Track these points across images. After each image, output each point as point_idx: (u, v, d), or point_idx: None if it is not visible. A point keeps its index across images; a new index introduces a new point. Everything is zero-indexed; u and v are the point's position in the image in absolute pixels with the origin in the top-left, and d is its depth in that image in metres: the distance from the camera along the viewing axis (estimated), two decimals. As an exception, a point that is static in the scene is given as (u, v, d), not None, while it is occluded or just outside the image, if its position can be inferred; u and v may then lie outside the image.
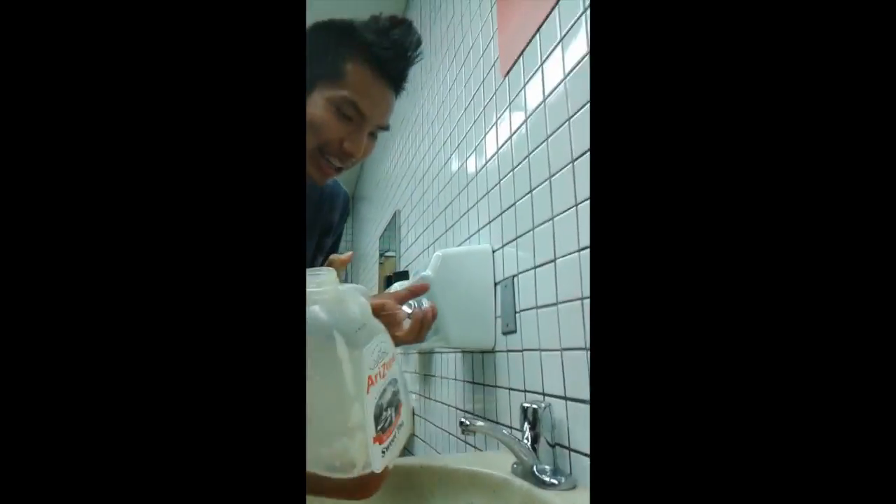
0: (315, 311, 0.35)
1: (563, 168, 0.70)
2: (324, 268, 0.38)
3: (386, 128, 0.65)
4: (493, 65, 1.01)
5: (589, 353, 0.60)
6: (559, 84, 0.72)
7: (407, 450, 1.50)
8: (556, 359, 0.68)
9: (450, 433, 1.15)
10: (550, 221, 0.73)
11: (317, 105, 0.60)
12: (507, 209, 0.89)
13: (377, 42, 0.59)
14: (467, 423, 0.64)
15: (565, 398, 0.65)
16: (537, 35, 0.80)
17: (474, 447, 0.98)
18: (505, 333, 0.86)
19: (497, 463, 0.69)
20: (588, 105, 0.64)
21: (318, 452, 0.33)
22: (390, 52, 0.59)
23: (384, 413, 0.37)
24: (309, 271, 0.36)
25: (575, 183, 0.66)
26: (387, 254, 2.17)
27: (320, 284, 0.37)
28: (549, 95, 0.75)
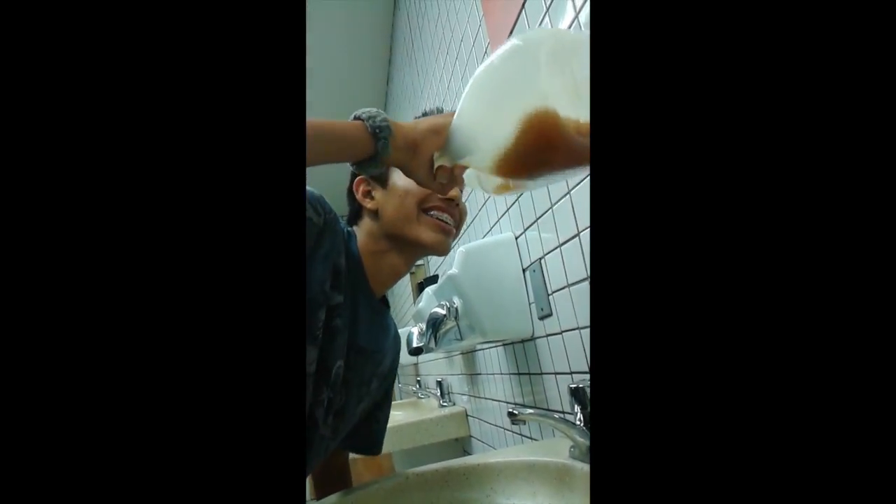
0: None
1: (571, 139, 0.68)
2: None
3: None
4: (486, 52, 0.99)
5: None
6: (553, 56, 0.70)
7: (464, 450, 1.49)
8: (596, 334, 0.66)
9: (504, 428, 1.13)
10: (567, 196, 0.71)
11: (399, 177, 0.63)
12: (523, 193, 0.87)
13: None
14: (516, 412, 0.62)
15: (613, 372, 0.63)
16: (523, 11, 0.78)
17: (530, 438, 0.96)
18: (541, 318, 0.84)
19: (555, 449, 0.67)
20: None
21: None
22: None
23: None
24: None
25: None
26: (417, 263, 2.18)
27: None
28: (544, 69, 0.73)
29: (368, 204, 0.67)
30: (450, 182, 0.52)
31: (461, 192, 0.66)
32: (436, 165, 0.50)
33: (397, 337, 0.78)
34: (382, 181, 0.66)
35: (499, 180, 0.52)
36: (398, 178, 0.65)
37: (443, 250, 0.65)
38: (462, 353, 1.46)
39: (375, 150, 0.46)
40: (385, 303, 0.73)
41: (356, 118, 0.47)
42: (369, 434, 0.78)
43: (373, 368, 0.70)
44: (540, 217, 0.81)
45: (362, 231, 0.68)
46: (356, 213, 0.70)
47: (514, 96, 0.45)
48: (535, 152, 0.45)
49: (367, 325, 0.66)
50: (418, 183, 0.52)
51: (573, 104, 0.43)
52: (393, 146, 0.47)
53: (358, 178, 0.68)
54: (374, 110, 0.47)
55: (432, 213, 0.64)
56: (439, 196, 0.63)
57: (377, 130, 0.46)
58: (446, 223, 0.64)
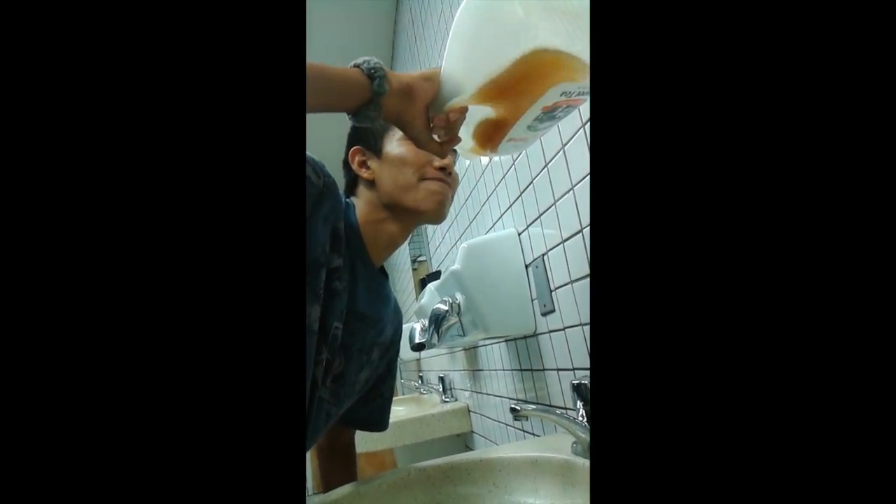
0: None
1: (574, 135, 0.68)
2: None
3: None
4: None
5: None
6: (556, 50, 0.70)
7: (466, 445, 1.49)
8: (599, 330, 0.66)
9: (506, 424, 1.14)
10: (571, 192, 0.70)
11: (393, 147, 0.66)
12: (526, 188, 0.87)
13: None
14: (518, 408, 0.62)
15: (615, 369, 0.62)
16: (526, 6, 0.78)
17: (533, 434, 0.96)
18: (544, 314, 0.84)
19: (557, 445, 0.67)
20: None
21: None
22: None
23: None
24: None
25: (588, 148, 0.64)
26: (419, 259, 2.18)
27: None
28: (548, 65, 0.73)
29: (364, 174, 0.68)
30: (448, 134, 0.52)
31: (455, 158, 0.67)
32: (431, 115, 0.51)
33: (398, 310, 0.78)
34: (377, 150, 0.68)
35: (488, 114, 0.52)
36: (392, 148, 0.66)
37: (440, 217, 0.67)
38: (464, 349, 1.46)
39: (372, 92, 0.47)
40: (384, 273, 0.74)
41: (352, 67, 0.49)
42: (374, 409, 0.79)
43: (374, 337, 0.70)
44: (543, 213, 0.81)
45: (361, 200, 0.69)
46: (352, 183, 0.71)
47: (493, 21, 0.47)
48: (523, 65, 0.46)
49: (366, 293, 0.67)
50: (415, 140, 0.52)
51: (550, 19, 0.44)
52: (388, 89, 0.48)
53: (353, 148, 0.70)
54: (366, 56, 0.49)
55: (428, 177, 0.65)
56: (434, 165, 0.65)
57: (372, 71, 0.48)
58: (441, 191, 0.66)
